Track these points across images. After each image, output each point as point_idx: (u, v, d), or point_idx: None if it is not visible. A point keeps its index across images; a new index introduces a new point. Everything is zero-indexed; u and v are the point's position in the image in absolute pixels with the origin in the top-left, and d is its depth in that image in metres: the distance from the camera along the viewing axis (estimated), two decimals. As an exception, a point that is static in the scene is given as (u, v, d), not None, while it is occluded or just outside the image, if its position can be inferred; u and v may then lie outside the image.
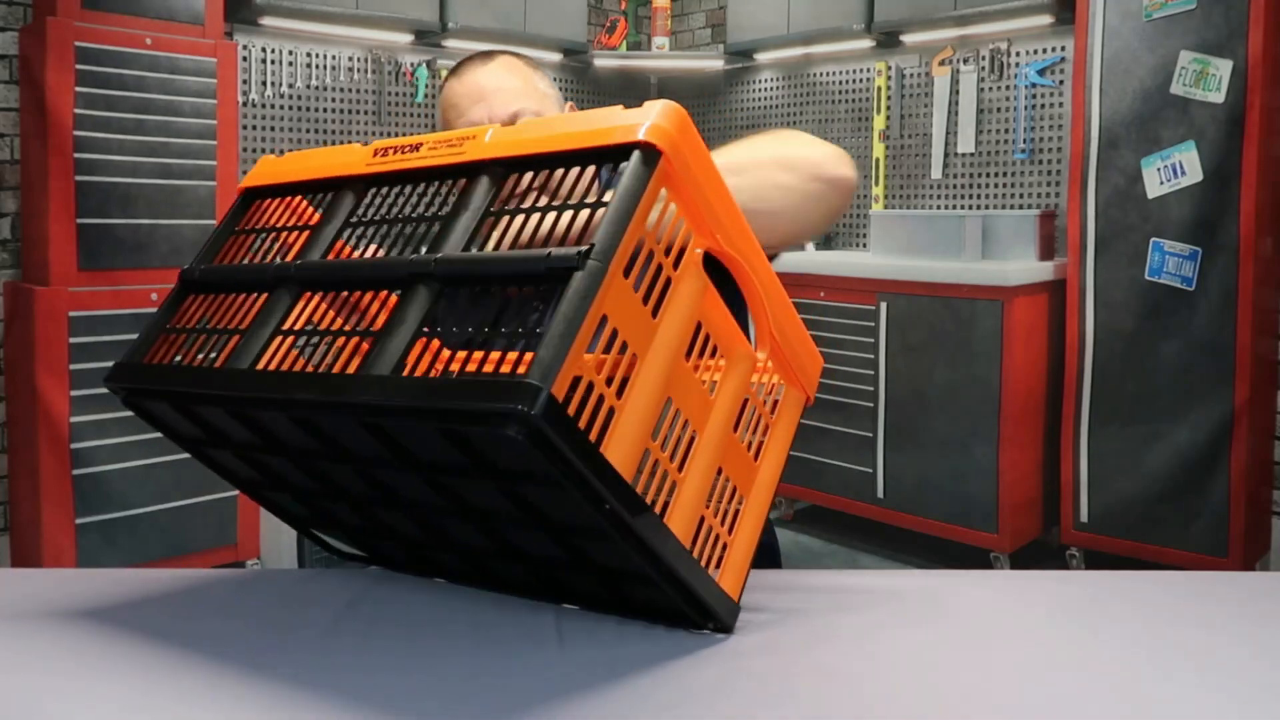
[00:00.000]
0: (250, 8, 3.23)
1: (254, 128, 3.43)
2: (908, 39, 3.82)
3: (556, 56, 4.20)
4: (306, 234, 0.92)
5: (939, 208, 3.79)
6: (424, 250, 0.81)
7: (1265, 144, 2.76)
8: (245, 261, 0.95)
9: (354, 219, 0.90)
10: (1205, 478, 2.84)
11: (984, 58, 3.62)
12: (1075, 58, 3.05)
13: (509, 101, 1.30)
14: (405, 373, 0.75)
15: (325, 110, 3.61)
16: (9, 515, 2.89)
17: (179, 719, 0.72)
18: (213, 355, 0.88)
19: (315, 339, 0.85)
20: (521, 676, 0.77)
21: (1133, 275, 2.93)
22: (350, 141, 3.68)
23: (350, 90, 3.67)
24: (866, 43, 3.89)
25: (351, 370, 0.78)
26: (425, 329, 0.77)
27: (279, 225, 0.96)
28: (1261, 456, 2.91)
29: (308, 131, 3.57)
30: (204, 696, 0.74)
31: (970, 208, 3.69)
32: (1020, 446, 3.11)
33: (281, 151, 3.49)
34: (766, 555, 1.28)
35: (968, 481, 3.14)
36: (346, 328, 0.86)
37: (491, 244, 0.81)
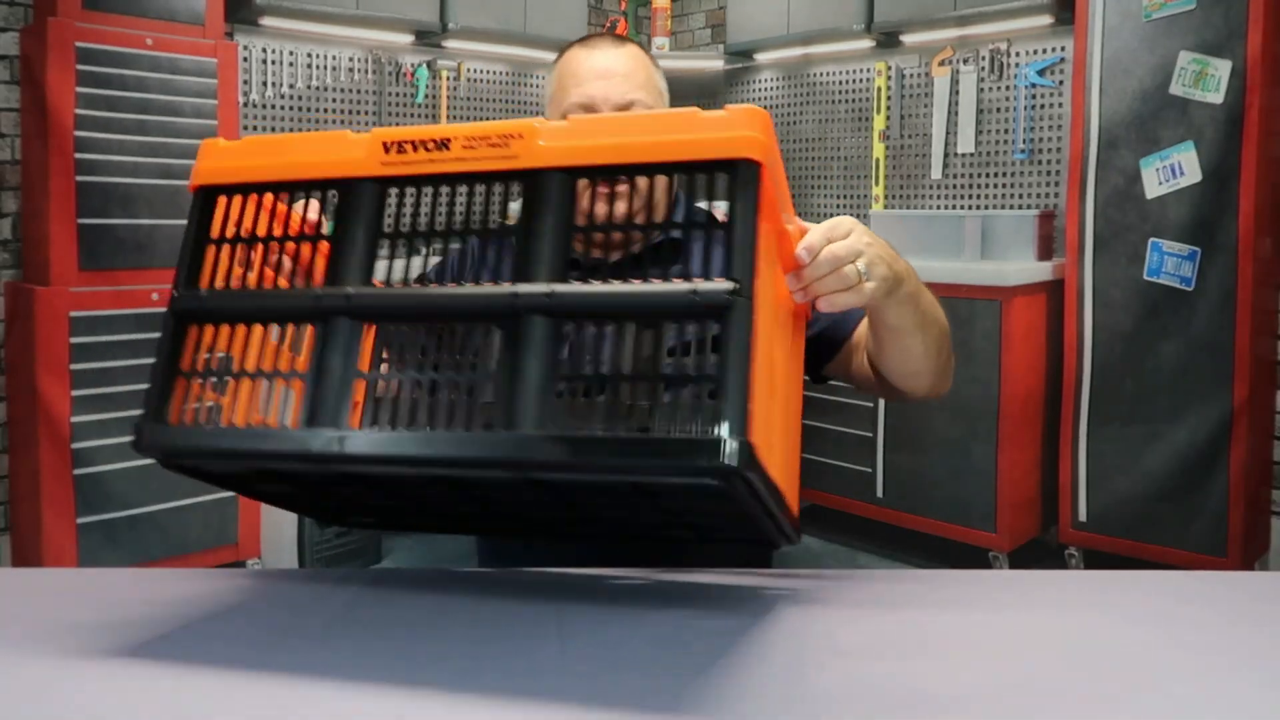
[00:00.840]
0: (250, 8, 3.23)
1: (254, 128, 3.43)
2: (908, 39, 3.82)
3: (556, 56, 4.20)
4: (325, 250, 0.82)
5: (938, 208, 3.80)
6: (489, 273, 0.76)
7: (1264, 144, 2.76)
8: (243, 277, 0.84)
9: (389, 231, 0.81)
10: (1204, 478, 2.84)
11: (984, 58, 3.62)
12: (1075, 58, 3.05)
13: (631, 89, 1.27)
14: (554, 420, 0.72)
15: (325, 110, 3.61)
16: (9, 515, 2.89)
17: (179, 718, 0.72)
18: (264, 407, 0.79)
19: (404, 380, 0.76)
20: (522, 677, 0.77)
21: (1131, 275, 2.94)
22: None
23: (350, 90, 3.67)
24: (866, 43, 3.89)
25: (479, 427, 0.73)
26: (562, 373, 0.73)
27: (272, 234, 0.85)
28: (1261, 456, 2.91)
29: (308, 132, 3.57)
30: (204, 696, 0.74)
31: (970, 208, 3.69)
32: (1019, 446, 3.11)
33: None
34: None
35: (966, 481, 3.14)
36: (431, 364, 0.77)
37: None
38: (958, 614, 0.92)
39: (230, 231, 0.85)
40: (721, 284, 0.70)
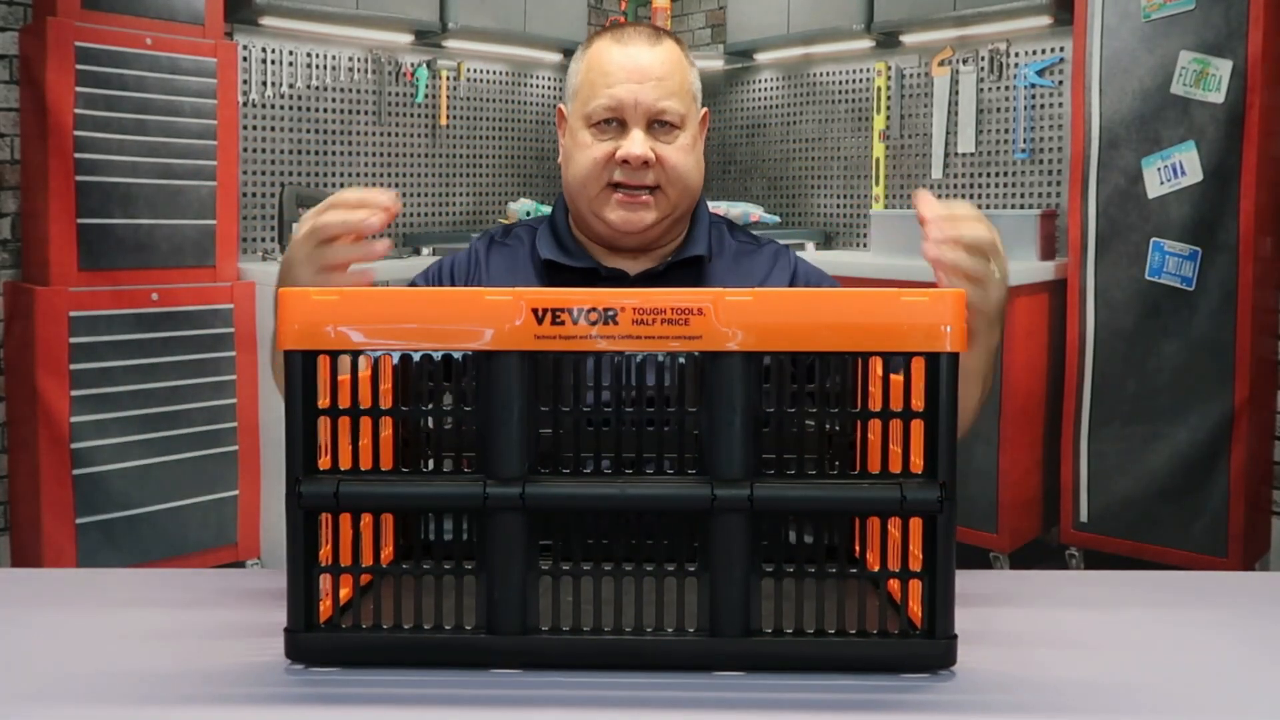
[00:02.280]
0: (250, 8, 3.22)
1: (254, 128, 3.42)
2: (907, 39, 3.81)
3: (556, 56, 4.20)
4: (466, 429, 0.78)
5: (939, 208, 3.79)
6: (650, 455, 0.75)
7: (1265, 144, 2.76)
8: (373, 454, 0.81)
9: (558, 408, 0.74)
10: (1205, 478, 2.84)
11: (983, 58, 3.62)
12: (1074, 58, 3.05)
13: (664, 95, 1.23)
14: (757, 625, 0.73)
15: (325, 110, 3.61)
16: (9, 515, 2.89)
17: (178, 718, 0.72)
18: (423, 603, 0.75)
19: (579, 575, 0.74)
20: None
21: (1133, 275, 2.93)
22: (350, 141, 3.67)
23: (350, 90, 3.67)
24: (866, 43, 3.89)
25: (672, 625, 0.73)
26: (767, 569, 0.73)
27: (400, 404, 0.79)
28: (1261, 456, 2.90)
29: (308, 132, 3.57)
30: (204, 696, 0.74)
31: (970, 208, 3.69)
32: (1020, 446, 3.11)
33: (282, 152, 3.49)
34: None
35: (967, 481, 3.14)
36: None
37: None
38: (957, 615, 0.92)
39: (345, 400, 0.76)
40: (929, 487, 0.71)
